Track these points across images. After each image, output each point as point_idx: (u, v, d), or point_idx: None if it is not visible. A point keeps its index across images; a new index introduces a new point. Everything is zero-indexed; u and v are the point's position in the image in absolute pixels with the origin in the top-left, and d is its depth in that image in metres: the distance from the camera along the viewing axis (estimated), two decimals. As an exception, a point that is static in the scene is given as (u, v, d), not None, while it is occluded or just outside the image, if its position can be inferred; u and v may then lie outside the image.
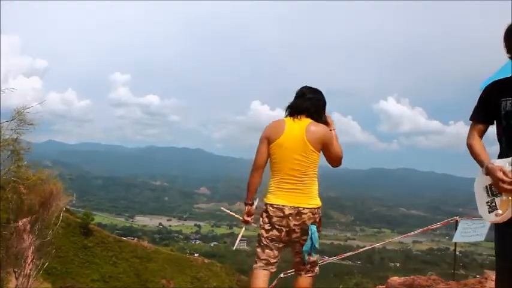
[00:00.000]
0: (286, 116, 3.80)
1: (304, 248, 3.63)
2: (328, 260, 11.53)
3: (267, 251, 3.77)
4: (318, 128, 3.67)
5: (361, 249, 13.15)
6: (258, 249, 3.82)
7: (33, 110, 13.55)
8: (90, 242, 36.66)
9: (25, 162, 14.39)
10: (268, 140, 3.76)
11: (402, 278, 6.87)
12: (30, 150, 14.18)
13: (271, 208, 3.71)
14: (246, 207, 3.90)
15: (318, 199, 3.71)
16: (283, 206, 3.65)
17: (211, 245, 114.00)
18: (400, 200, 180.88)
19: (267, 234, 3.75)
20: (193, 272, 41.93)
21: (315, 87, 3.93)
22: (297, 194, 3.66)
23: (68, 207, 30.72)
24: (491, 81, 2.91)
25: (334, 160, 3.81)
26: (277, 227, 3.70)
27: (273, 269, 3.82)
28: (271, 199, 3.74)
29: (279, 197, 3.71)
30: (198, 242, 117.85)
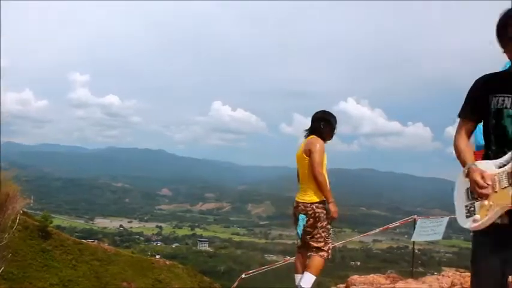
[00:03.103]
0: (305, 137, 5.15)
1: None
2: (289, 259, 11.62)
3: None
4: (311, 140, 4.96)
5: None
6: None
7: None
8: (49, 245, 35.80)
9: (-20, 164, 14.00)
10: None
11: (362, 276, 6.98)
12: (-15, 152, 13.79)
13: None
14: None
15: (314, 196, 4.95)
16: (294, 200, 5.15)
17: (173, 246, 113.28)
18: (361, 200, 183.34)
19: None
20: (154, 274, 41.48)
21: (329, 110, 5.29)
22: (299, 191, 5.10)
23: (26, 209, 29.90)
24: (480, 77, 2.62)
25: (311, 166, 4.88)
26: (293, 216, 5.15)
27: (306, 251, 5.22)
28: None
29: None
30: (159, 243, 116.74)
